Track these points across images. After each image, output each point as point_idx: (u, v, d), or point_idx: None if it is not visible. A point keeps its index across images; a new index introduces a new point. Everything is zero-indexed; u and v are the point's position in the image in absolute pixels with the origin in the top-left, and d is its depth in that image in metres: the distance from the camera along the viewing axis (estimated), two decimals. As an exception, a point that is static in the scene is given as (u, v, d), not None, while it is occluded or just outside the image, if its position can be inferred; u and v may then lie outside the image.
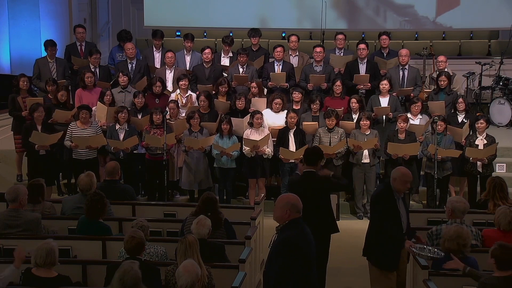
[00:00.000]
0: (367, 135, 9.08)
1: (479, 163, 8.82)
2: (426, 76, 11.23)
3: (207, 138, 9.03)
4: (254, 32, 10.87)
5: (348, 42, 11.08)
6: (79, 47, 10.95)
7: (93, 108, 9.41)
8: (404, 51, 10.33)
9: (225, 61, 10.73)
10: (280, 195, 9.28)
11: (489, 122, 9.36)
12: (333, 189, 7.11)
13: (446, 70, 10.27)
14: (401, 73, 10.27)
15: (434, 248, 5.50)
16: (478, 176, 8.91)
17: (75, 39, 11.22)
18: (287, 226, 4.63)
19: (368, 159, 9.12)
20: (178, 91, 9.86)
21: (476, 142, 8.95)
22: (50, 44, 10.43)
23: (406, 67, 10.30)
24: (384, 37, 10.79)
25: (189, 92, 9.91)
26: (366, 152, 9.09)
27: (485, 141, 8.94)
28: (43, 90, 10.11)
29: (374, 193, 5.88)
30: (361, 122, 9.08)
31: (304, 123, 9.31)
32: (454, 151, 8.89)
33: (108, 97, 9.49)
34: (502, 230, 5.85)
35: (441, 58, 10.44)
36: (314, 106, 9.43)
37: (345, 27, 13.34)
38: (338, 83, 9.79)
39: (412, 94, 10.05)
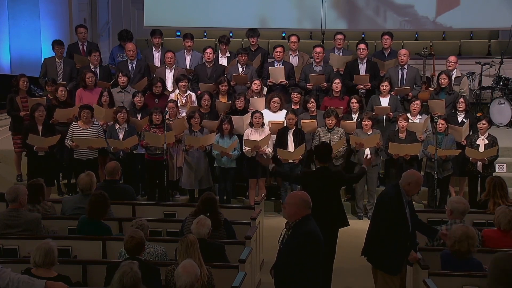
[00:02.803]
0: (369, 134, 9.07)
1: (479, 163, 8.83)
2: (428, 76, 11.24)
3: (208, 136, 9.02)
4: (252, 32, 10.87)
5: (348, 42, 11.08)
6: (80, 47, 10.96)
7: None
8: (403, 51, 10.33)
9: (222, 61, 10.74)
10: (279, 195, 9.42)
11: (491, 122, 9.35)
12: (344, 183, 7.38)
13: (455, 71, 10.27)
14: (400, 72, 10.27)
15: None
16: (479, 176, 8.91)
17: (75, 39, 11.23)
18: (302, 222, 4.80)
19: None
20: (177, 91, 9.87)
21: (477, 142, 8.95)
22: (56, 43, 10.45)
23: (406, 67, 10.30)
24: (386, 37, 10.78)
25: (188, 92, 9.92)
26: (367, 151, 9.08)
27: (486, 141, 8.94)
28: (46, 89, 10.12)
29: (384, 196, 5.74)
30: (363, 123, 9.08)
31: (302, 121, 9.32)
32: (454, 150, 8.89)
33: (105, 97, 9.48)
34: (502, 230, 5.85)
35: (452, 58, 10.39)
36: (311, 105, 9.43)
37: (345, 27, 13.35)
38: (337, 81, 9.79)
39: (411, 94, 10.06)
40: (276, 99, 9.43)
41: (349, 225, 6.79)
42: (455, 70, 10.37)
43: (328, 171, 6.69)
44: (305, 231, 4.75)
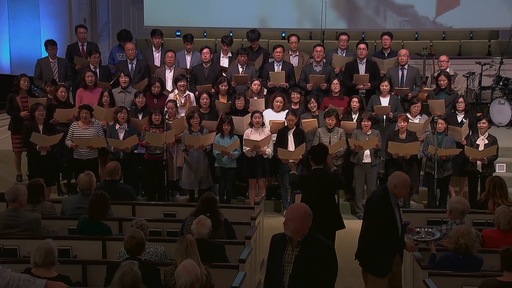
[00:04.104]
0: (368, 135, 9.07)
1: (479, 163, 8.83)
2: (428, 76, 11.24)
3: (208, 136, 9.02)
4: (252, 35, 10.82)
5: (348, 42, 11.09)
6: (80, 47, 10.95)
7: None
8: (403, 51, 10.33)
9: (224, 61, 10.72)
10: (278, 195, 9.34)
11: (491, 122, 9.35)
12: (339, 186, 7.25)
13: (448, 70, 10.27)
14: (400, 72, 10.27)
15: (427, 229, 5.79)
16: (479, 176, 8.91)
17: (75, 39, 11.21)
18: (311, 235, 4.62)
19: (369, 159, 9.11)
20: (176, 91, 9.87)
21: (477, 142, 8.96)
22: (50, 43, 10.43)
23: (406, 67, 10.30)
24: (386, 37, 10.77)
25: (187, 92, 9.91)
26: (367, 151, 9.08)
27: (487, 141, 8.93)
28: (44, 90, 10.11)
29: (371, 198, 5.76)
30: (362, 123, 9.08)
31: (303, 121, 9.32)
32: (454, 150, 8.89)
33: (106, 97, 9.48)
34: (502, 230, 5.85)
35: (443, 58, 10.41)
36: (311, 105, 9.44)
37: (345, 27, 13.35)
38: (336, 81, 9.78)
39: (410, 94, 10.06)
40: (279, 98, 9.43)
41: (345, 227, 6.80)
42: (448, 68, 10.37)
43: (323, 173, 6.66)
44: (324, 246, 4.62)
